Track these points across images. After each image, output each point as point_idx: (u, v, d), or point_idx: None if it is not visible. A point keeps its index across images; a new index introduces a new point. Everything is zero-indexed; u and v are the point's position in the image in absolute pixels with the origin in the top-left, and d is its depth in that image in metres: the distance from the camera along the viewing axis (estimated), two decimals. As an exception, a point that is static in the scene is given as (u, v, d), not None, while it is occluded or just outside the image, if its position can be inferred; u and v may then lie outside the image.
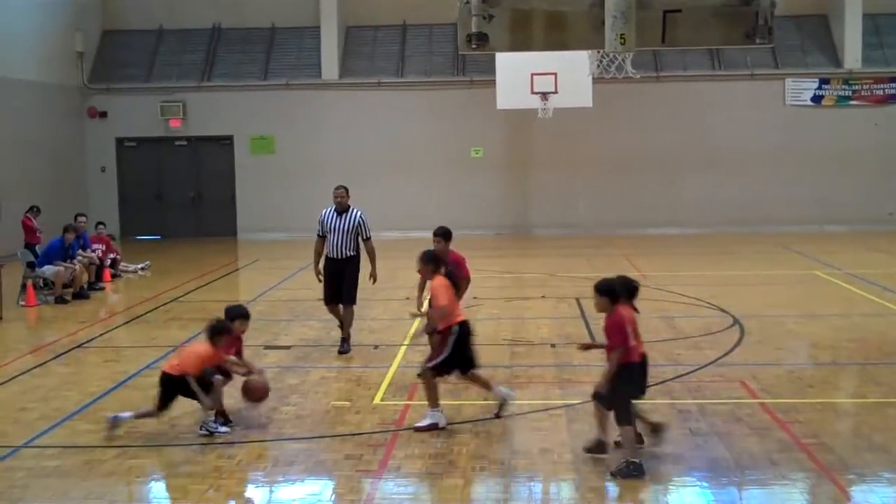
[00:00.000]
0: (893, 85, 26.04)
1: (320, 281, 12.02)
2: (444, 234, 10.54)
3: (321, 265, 12.04)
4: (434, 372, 8.65)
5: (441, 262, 9.17)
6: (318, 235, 12.04)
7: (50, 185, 23.99)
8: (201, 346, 8.79)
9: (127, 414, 8.70)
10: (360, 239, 11.94)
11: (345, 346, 11.90)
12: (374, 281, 11.95)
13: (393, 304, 15.45)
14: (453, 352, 8.65)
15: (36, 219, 19.19)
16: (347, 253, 11.84)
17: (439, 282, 8.81)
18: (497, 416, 8.89)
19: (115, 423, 8.58)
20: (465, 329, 8.77)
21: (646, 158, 26.17)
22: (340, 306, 12.01)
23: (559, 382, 10.43)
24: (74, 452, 8.29)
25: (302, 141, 26.70)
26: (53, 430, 8.95)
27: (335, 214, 11.87)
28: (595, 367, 10.69)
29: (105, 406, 9.70)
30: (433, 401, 8.68)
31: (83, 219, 18.36)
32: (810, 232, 25.27)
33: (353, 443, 8.40)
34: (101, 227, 19.47)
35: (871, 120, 26.06)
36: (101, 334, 13.70)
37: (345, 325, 12.00)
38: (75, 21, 26.29)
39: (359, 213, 11.93)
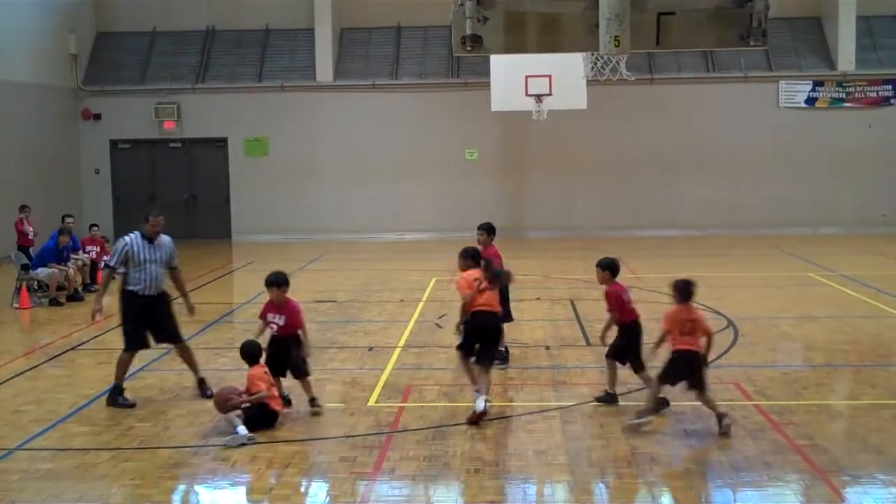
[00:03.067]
0: (887, 87, 26.09)
1: (95, 320, 10.33)
2: (488, 229, 11.38)
3: (102, 305, 10.30)
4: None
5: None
6: (112, 267, 10.15)
7: (44, 188, 23.92)
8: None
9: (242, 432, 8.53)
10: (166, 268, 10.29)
11: (204, 388, 10.16)
12: (194, 312, 10.50)
13: (389, 307, 15.45)
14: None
15: (28, 218, 19.08)
16: (161, 287, 10.18)
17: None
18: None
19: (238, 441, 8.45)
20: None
21: (640, 160, 26.19)
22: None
23: (553, 384, 10.43)
24: (68, 455, 8.27)
25: (296, 143, 26.68)
26: (47, 432, 8.94)
27: (146, 243, 10.03)
28: (589, 369, 10.75)
29: (99, 408, 9.69)
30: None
31: (70, 219, 18.31)
32: (804, 234, 25.31)
33: (348, 445, 8.39)
34: (95, 228, 19.41)
35: (864, 122, 26.09)
36: (95, 336, 13.66)
37: (191, 366, 10.34)
38: (69, 23, 26.23)
39: (168, 238, 10.30)
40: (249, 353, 9.14)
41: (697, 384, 8.56)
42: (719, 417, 8.46)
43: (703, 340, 8.60)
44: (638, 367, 9.27)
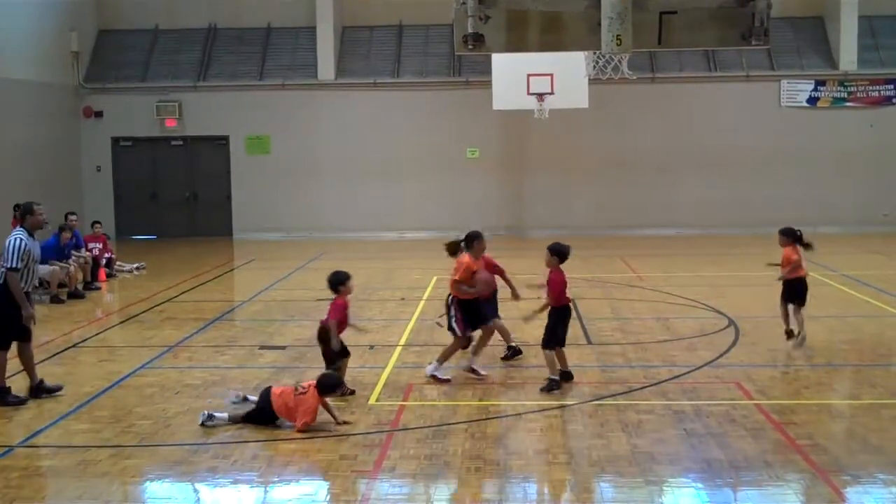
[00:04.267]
0: (889, 86, 26.07)
1: (32, 325, 9.87)
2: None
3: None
4: None
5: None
6: (17, 269, 9.59)
7: (45, 185, 23.85)
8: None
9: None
10: None
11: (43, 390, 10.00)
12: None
13: (389, 305, 15.45)
14: None
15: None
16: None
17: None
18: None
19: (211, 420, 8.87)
20: None
21: (641, 159, 26.18)
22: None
23: (554, 383, 10.42)
24: (69, 452, 8.27)
25: (298, 141, 26.68)
26: (48, 429, 8.94)
27: (33, 240, 9.87)
28: (590, 368, 10.74)
29: (100, 405, 9.69)
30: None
31: (74, 217, 18.32)
32: (805, 233, 25.17)
33: (349, 443, 8.39)
34: (98, 226, 19.45)
35: (866, 121, 26.08)
36: (96, 334, 13.68)
37: (33, 369, 10.08)
38: (71, 21, 26.23)
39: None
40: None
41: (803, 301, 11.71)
42: (795, 335, 11.56)
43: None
44: (551, 345, 10.01)
